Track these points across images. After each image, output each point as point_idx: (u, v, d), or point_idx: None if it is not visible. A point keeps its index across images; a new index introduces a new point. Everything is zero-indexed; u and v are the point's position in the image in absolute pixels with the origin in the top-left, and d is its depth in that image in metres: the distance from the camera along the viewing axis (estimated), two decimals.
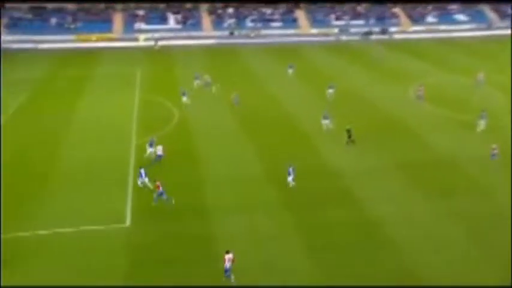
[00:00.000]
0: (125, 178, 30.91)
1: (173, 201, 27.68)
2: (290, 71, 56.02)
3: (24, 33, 77.04)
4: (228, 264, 21.99)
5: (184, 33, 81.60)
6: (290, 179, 29.77)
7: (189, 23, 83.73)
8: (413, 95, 47.76)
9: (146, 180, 29.52)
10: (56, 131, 38.71)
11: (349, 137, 35.68)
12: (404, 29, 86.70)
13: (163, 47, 74.29)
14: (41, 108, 44.63)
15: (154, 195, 27.83)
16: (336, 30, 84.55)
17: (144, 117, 41.93)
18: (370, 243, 24.56)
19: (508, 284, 21.79)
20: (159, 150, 32.95)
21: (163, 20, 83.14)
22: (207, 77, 51.24)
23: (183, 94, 44.43)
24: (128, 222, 26.31)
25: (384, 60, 63.30)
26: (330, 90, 46.97)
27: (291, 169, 29.90)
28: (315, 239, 24.96)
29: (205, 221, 26.31)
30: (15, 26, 77.93)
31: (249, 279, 22.18)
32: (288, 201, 28.23)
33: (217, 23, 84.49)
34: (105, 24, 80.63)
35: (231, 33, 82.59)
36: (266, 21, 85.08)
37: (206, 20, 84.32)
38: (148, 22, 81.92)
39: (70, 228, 25.62)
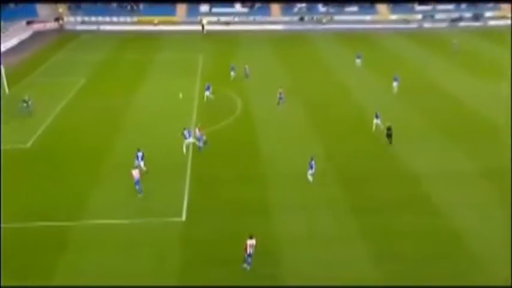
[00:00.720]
0: (183, 169, 31.64)
1: (140, 195, 27.93)
2: (358, 61, 55.09)
3: (86, 14, 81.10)
4: (250, 251, 22.08)
5: (251, 18, 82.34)
6: (310, 173, 29.30)
7: (257, 6, 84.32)
8: (507, 92, 45.45)
9: (142, 163, 30.07)
10: (114, 116, 40.30)
11: (389, 136, 34.52)
12: (503, 14, 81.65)
13: (227, 32, 75.37)
14: (101, 92, 46.76)
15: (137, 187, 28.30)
16: (419, 16, 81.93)
17: (205, 105, 42.80)
18: (448, 256, 23.67)
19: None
20: (200, 137, 33.34)
21: (230, 3, 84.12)
22: (247, 68, 51.13)
23: (207, 88, 44.25)
24: (183, 216, 26.65)
25: (459, 53, 60.45)
26: (395, 84, 45.95)
27: (312, 162, 29.36)
28: (383, 246, 24.30)
29: (264, 218, 26.31)
30: (78, 7, 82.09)
31: (307, 282, 22.03)
32: (355, 203, 27.75)
33: (287, 8, 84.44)
34: (168, 6, 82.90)
35: (301, 19, 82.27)
36: (340, 6, 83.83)
37: (275, 5, 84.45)
38: (213, 5, 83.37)
39: (122, 219, 26.38)
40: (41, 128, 38.37)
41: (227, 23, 79.78)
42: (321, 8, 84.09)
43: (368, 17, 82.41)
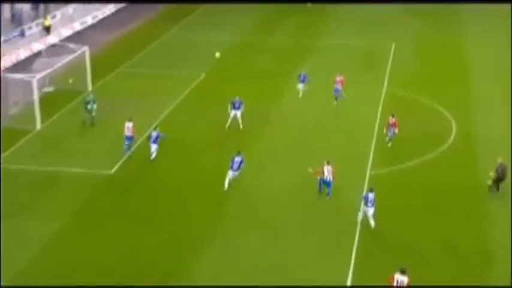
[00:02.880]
0: (351, 229, 31.82)
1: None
2: None
3: None
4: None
5: None
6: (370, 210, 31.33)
7: None
8: None
9: (154, 147, 37.01)
10: (245, 133, 41.75)
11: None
12: None
13: None
14: (227, 96, 48.11)
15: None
16: None
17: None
18: None
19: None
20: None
21: None
22: None
23: (302, 80, 47.85)
24: (348, 282, 27.44)
25: None
26: None
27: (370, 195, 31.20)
28: None
29: None
30: None
31: None
32: None
33: None
34: None
35: None
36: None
37: None
38: None
39: None
40: (133, 147, 40.30)
41: None
42: None
43: None
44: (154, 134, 38.25)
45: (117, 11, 73.25)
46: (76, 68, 49.37)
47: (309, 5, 71.53)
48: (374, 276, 27.55)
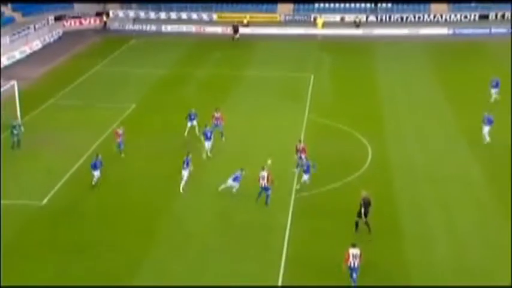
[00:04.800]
0: (277, 252, 32.19)
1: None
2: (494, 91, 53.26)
3: (142, 8, 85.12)
4: (355, 262, 28.17)
5: (396, 16, 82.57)
6: (306, 178, 37.51)
7: None
8: None
9: (96, 174, 38.22)
10: (173, 165, 41.52)
11: None
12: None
13: (354, 38, 75.99)
14: (157, 126, 48.11)
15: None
16: None
17: (316, 152, 42.93)
18: None
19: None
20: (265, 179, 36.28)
21: None
22: None
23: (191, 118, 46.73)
24: None
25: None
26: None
27: (309, 163, 37.41)
28: None
29: None
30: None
31: None
32: None
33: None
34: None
35: (484, 17, 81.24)
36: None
37: None
38: None
39: None
40: (64, 177, 40.35)
41: (356, 25, 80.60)
42: None
43: None
44: (96, 161, 38.66)
45: (45, 46, 73.21)
46: (5, 102, 48.91)
47: (218, 55, 70.88)
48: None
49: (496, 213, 35.93)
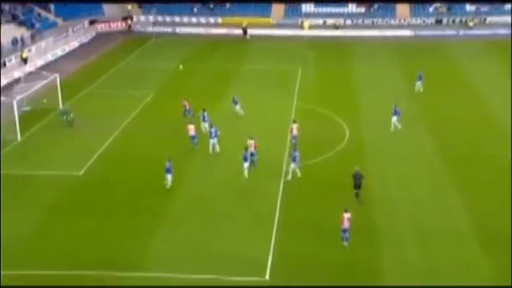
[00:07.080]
0: (269, 216, 31.91)
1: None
2: (418, 83, 52.85)
3: (160, 14, 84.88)
4: (346, 225, 28.19)
5: (368, 21, 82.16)
6: (293, 165, 35.78)
7: (376, 6, 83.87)
8: None
9: (169, 177, 34.44)
10: (186, 142, 41.26)
11: None
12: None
13: (335, 38, 75.49)
14: (172, 110, 48.05)
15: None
16: None
17: (303, 132, 42.78)
18: None
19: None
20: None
21: (341, 2, 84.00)
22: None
23: (235, 102, 46.99)
24: (267, 275, 26.84)
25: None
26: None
27: (296, 154, 35.79)
28: None
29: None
30: (149, 5, 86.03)
31: None
32: None
33: (417, 8, 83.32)
34: (262, 5, 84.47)
35: (439, 22, 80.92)
36: (494, 3, 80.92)
37: (402, 5, 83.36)
38: (319, 4, 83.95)
39: (189, 274, 26.96)
40: (97, 152, 40.38)
41: (336, 27, 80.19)
42: (468, 7, 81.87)
43: None
44: (169, 165, 34.62)
45: (81, 46, 73.13)
46: (49, 91, 48.86)
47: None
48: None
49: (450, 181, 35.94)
